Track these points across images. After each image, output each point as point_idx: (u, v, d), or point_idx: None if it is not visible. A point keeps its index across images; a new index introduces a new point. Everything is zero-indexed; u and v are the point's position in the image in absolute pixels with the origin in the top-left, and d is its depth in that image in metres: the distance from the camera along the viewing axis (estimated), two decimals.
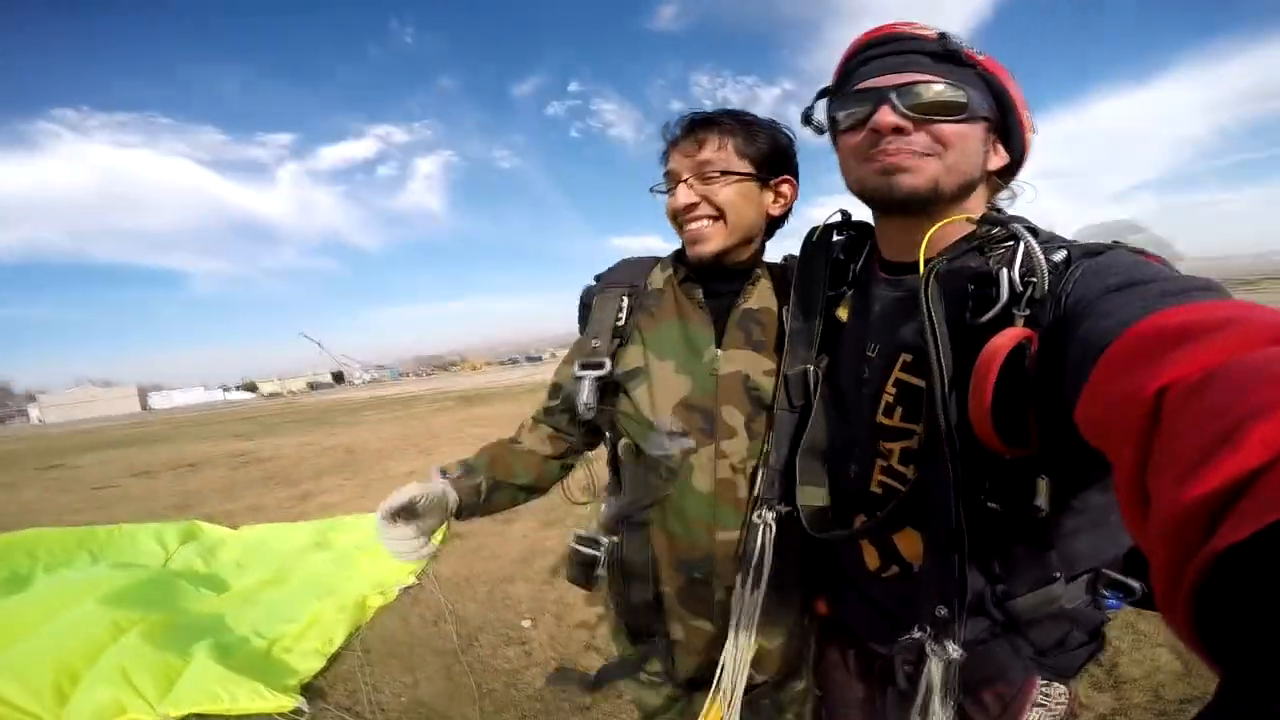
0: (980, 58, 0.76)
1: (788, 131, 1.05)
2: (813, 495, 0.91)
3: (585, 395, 1.04)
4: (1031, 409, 0.62)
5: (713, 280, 1.07)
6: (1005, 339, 0.60)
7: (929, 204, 0.78)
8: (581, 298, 1.15)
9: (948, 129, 0.75)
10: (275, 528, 5.30)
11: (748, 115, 1.03)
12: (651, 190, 1.07)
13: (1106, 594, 0.76)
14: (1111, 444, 0.41)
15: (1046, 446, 0.63)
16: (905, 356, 0.80)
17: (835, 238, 0.98)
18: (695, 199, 0.99)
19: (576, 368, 1.07)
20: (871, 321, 0.87)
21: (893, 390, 0.81)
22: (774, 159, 1.03)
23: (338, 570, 3.92)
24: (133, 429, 26.77)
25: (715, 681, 0.98)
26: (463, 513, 1.07)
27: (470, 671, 2.67)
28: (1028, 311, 0.64)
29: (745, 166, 1.00)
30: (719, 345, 1.03)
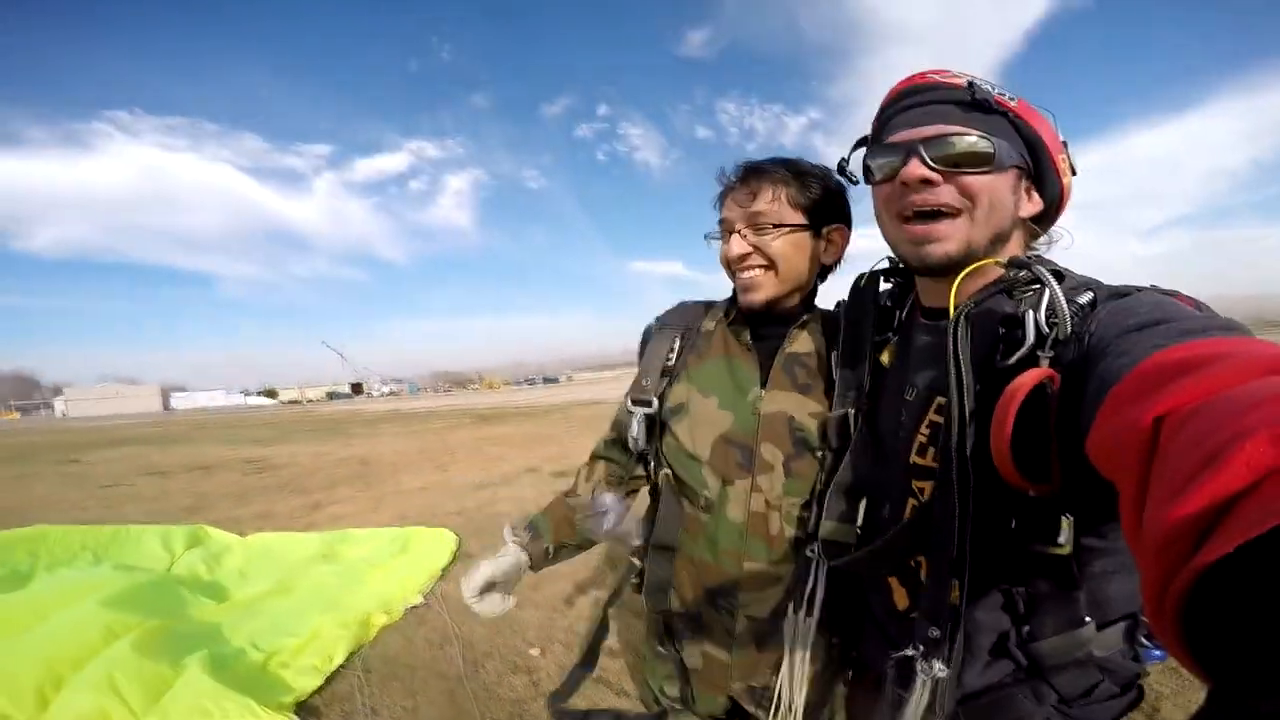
0: (1012, 103, 0.77)
1: (840, 181, 1.05)
2: (834, 530, 0.93)
3: (635, 430, 1.13)
4: (1054, 447, 0.63)
5: (761, 324, 1.09)
6: (1026, 379, 0.61)
7: (964, 263, 0.79)
8: (642, 336, 1.23)
9: (976, 181, 0.76)
10: (283, 537, 5.19)
11: (801, 164, 1.05)
12: (706, 237, 1.10)
13: (1147, 643, 0.74)
14: (1117, 474, 0.42)
15: (1070, 484, 0.64)
16: (940, 399, 0.81)
17: (882, 284, 1.01)
18: (748, 249, 1.02)
19: (629, 403, 1.15)
20: (910, 365, 0.89)
21: (926, 431, 0.83)
22: (826, 207, 1.04)
23: (343, 585, 3.78)
24: (152, 428, 27.07)
25: (774, 699, 1.01)
26: (533, 568, 1.21)
27: (474, 699, 2.51)
28: (1052, 353, 0.66)
29: (798, 217, 1.02)
30: (763, 385, 1.05)
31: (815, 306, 1.11)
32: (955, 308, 0.76)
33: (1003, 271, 0.77)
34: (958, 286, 0.77)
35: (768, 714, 1.03)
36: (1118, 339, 0.58)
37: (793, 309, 1.08)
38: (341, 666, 2.77)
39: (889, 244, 0.88)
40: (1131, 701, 0.78)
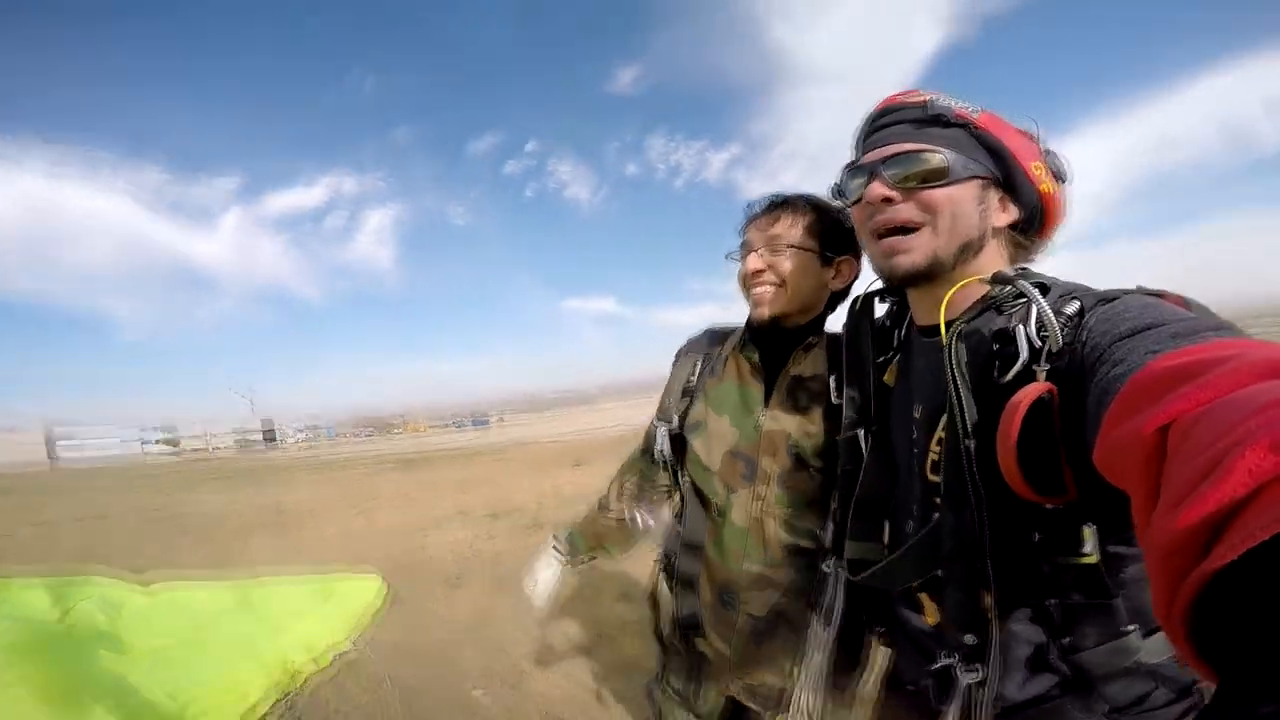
0: (973, 115, 0.78)
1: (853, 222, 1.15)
2: (858, 549, 0.93)
3: (660, 443, 1.24)
4: (1064, 459, 0.63)
5: (771, 347, 1.17)
6: (1026, 394, 0.62)
7: (934, 275, 0.81)
8: (674, 358, 1.35)
9: (934, 195, 0.78)
10: (192, 585, 4.81)
11: (821, 200, 1.14)
12: (727, 256, 1.20)
13: None
14: (1126, 483, 0.42)
15: (1086, 494, 0.63)
16: (945, 417, 0.80)
17: (879, 305, 1.03)
18: (762, 266, 1.11)
19: (655, 419, 1.28)
20: (914, 384, 0.89)
21: (937, 449, 0.82)
22: (837, 238, 1.13)
23: (263, 633, 3.55)
24: (33, 479, 24.36)
25: (788, 703, 1.05)
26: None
27: None
28: (1048, 366, 0.66)
29: (810, 242, 1.11)
30: (766, 405, 1.14)
31: (824, 332, 1.17)
32: (947, 326, 0.77)
33: (988, 288, 0.78)
34: (946, 304, 0.78)
35: (767, 711, 1.12)
36: (1111, 347, 0.58)
37: (799, 330, 1.15)
38: (268, 716, 2.61)
39: (869, 260, 0.91)
40: (1190, 707, 0.75)
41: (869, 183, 0.81)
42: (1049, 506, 0.65)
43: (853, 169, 0.86)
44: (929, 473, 0.83)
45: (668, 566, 1.27)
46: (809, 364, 1.13)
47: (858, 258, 1.14)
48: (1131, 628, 0.69)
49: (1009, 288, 0.74)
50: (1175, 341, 0.52)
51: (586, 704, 2.66)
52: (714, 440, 1.17)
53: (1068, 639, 0.72)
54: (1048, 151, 0.81)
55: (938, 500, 0.82)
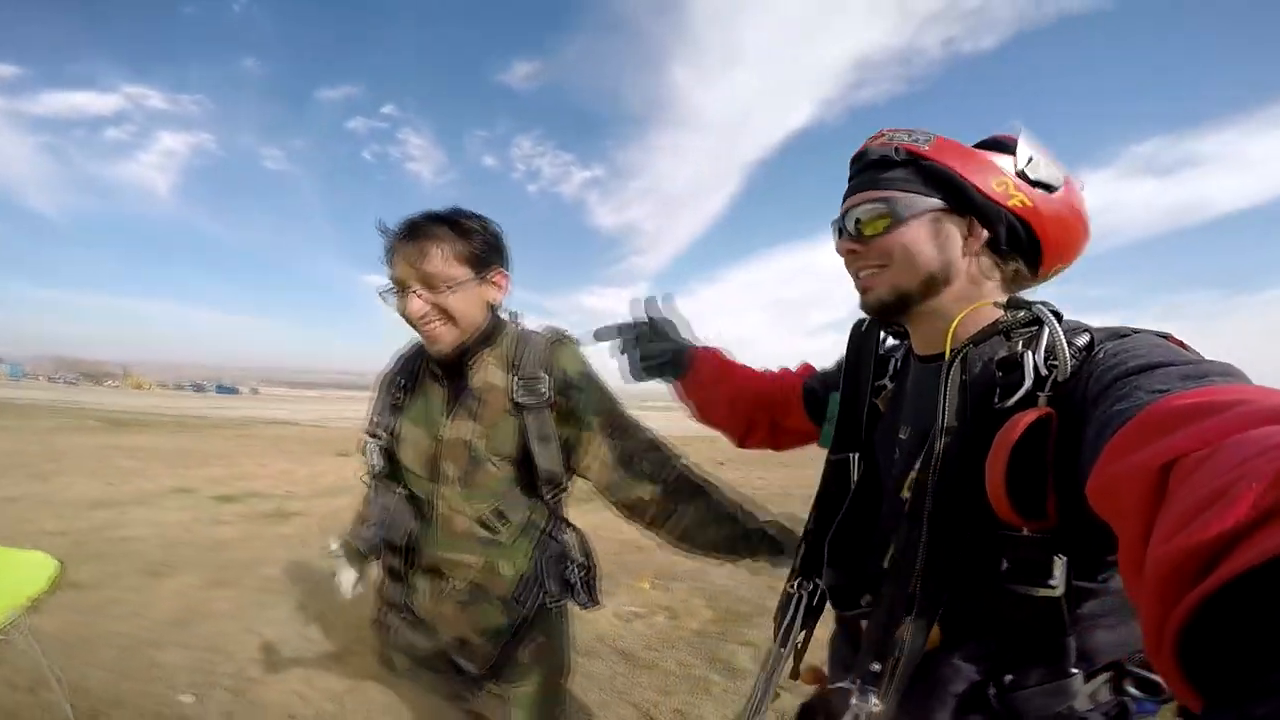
0: (923, 147, 0.79)
1: (496, 226, 1.23)
2: (834, 576, 0.92)
3: (373, 458, 1.32)
4: (1051, 485, 0.63)
5: (449, 363, 1.26)
6: (1024, 417, 0.62)
7: (905, 307, 0.84)
8: (378, 382, 1.41)
9: (887, 241, 0.81)
10: None
11: (462, 217, 1.19)
12: (381, 294, 1.22)
13: (1135, 693, 0.69)
14: (1119, 516, 0.43)
15: (1064, 523, 0.63)
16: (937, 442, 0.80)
17: (884, 333, 1.02)
18: (427, 308, 1.16)
19: (366, 436, 1.35)
20: (904, 408, 0.90)
21: (918, 468, 0.82)
22: (487, 255, 1.21)
23: None
24: None
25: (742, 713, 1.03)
26: None
27: None
28: (1051, 393, 0.65)
29: (466, 272, 1.17)
30: (448, 416, 1.25)
31: (491, 339, 1.27)
32: (951, 349, 0.77)
33: (1001, 313, 0.77)
34: (954, 330, 0.78)
35: (476, 668, 1.28)
36: (1118, 381, 0.58)
37: (472, 347, 1.25)
38: None
39: None
40: None
41: (839, 237, 0.87)
42: (1025, 532, 0.64)
43: (833, 223, 0.90)
44: (904, 491, 0.82)
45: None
46: (481, 376, 1.25)
47: (507, 265, 1.26)
48: (1075, 671, 0.67)
49: (1023, 313, 0.74)
50: (1185, 383, 0.52)
51: (333, 715, 2.36)
52: (411, 448, 1.29)
53: (1010, 676, 0.69)
54: (1030, 160, 0.78)
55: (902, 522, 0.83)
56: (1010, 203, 0.77)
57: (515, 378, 1.21)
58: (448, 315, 1.16)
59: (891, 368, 0.97)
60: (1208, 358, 0.59)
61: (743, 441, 1.26)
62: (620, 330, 1.32)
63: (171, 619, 3.15)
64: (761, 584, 4.09)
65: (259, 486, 7.43)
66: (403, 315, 1.18)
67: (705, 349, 1.29)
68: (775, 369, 1.27)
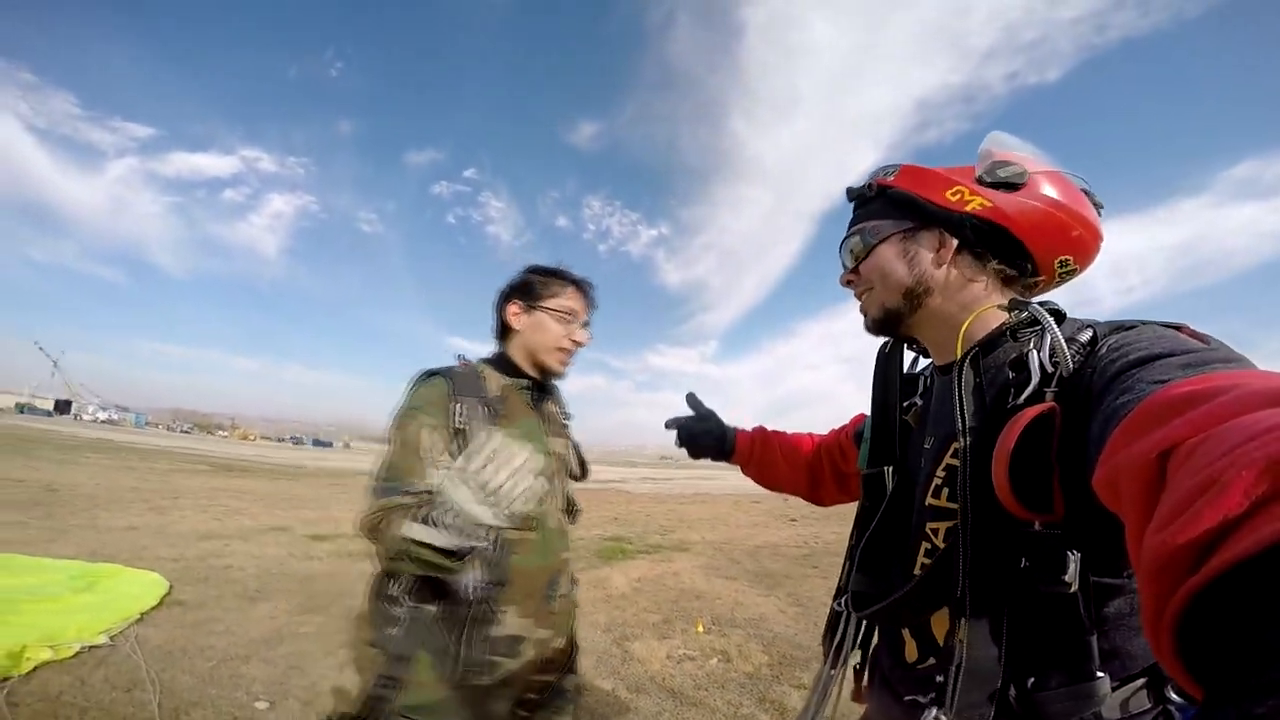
0: (888, 178, 0.88)
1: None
2: (861, 582, 0.93)
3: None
4: (1057, 479, 0.63)
5: (541, 387, 1.40)
6: (1025, 413, 0.63)
7: (897, 321, 0.89)
8: (416, 408, 1.31)
9: (866, 266, 0.90)
10: None
11: None
12: (555, 311, 1.33)
13: (1179, 699, 0.65)
14: (1125, 507, 0.43)
15: (1074, 517, 0.63)
16: (956, 444, 0.79)
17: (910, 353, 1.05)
18: (587, 341, 1.37)
19: (436, 460, 1.32)
20: (929, 418, 0.92)
21: (942, 474, 0.83)
22: None
23: None
24: None
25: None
26: None
27: None
28: (1057, 389, 0.67)
29: None
30: (546, 434, 1.36)
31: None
32: (963, 355, 0.78)
33: (1006, 316, 0.80)
34: (963, 335, 0.80)
35: (553, 674, 1.28)
36: (1120, 375, 0.58)
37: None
38: None
39: None
40: None
41: (842, 271, 0.96)
42: (1036, 527, 0.65)
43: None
44: (929, 497, 0.84)
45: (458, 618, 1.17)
46: (553, 402, 1.43)
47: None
48: (1101, 674, 0.65)
49: (1025, 314, 0.76)
50: (1184, 372, 0.52)
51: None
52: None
53: (1032, 678, 0.67)
54: (996, 163, 0.80)
55: (929, 526, 0.83)
56: (969, 208, 0.81)
57: (559, 404, 1.44)
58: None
59: (921, 385, 1.00)
60: (1218, 346, 0.59)
61: (814, 496, 1.30)
62: (675, 423, 1.45)
63: (261, 638, 3.29)
64: (821, 630, 4.05)
65: (348, 529, 7.76)
66: (556, 339, 1.33)
67: (746, 430, 1.40)
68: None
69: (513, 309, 1.34)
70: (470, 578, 1.17)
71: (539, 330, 1.33)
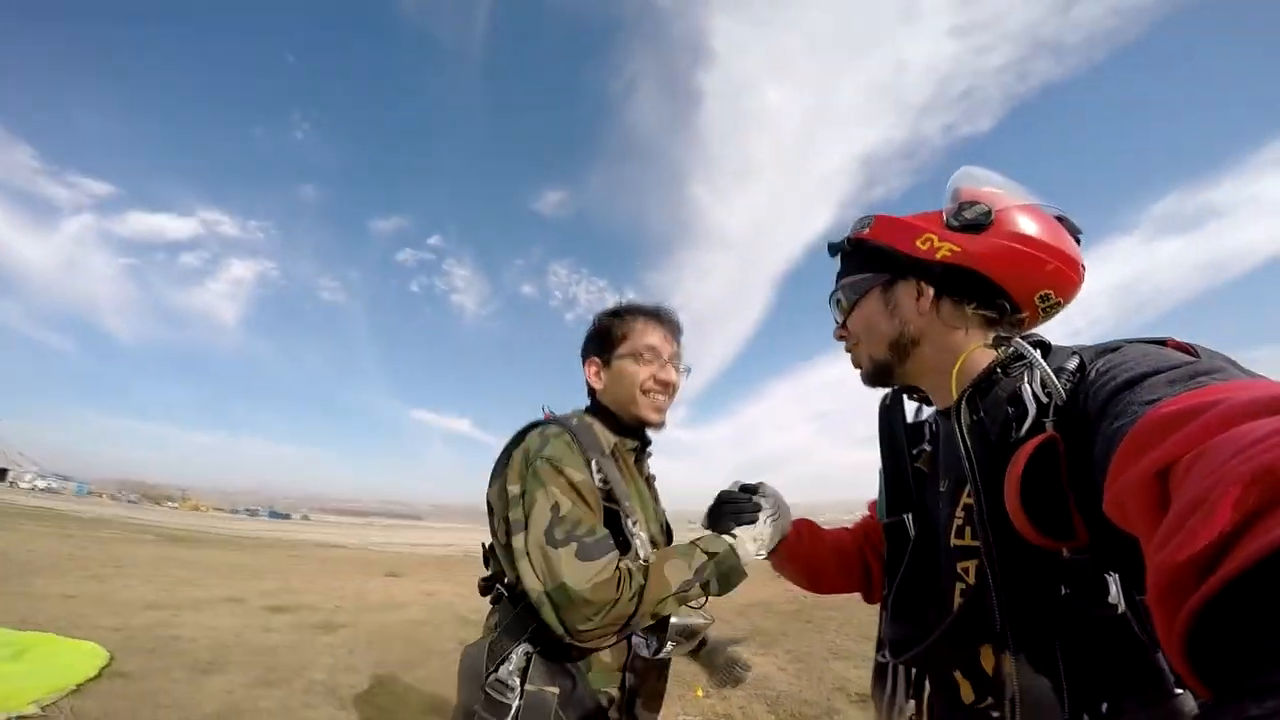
0: (863, 230, 0.91)
1: None
2: (898, 630, 0.91)
3: (643, 547, 1.15)
4: (1074, 505, 0.63)
5: (644, 440, 1.27)
6: (1027, 445, 0.64)
7: (889, 371, 0.91)
8: (565, 457, 1.19)
9: (851, 320, 0.93)
10: None
11: None
12: (619, 356, 1.20)
13: None
14: (1136, 528, 0.44)
15: (1100, 541, 0.62)
16: (968, 483, 0.80)
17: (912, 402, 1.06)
18: (677, 381, 1.22)
19: (626, 518, 1.15)
20: (940, 464, 0.92)
21: (961, 514, 0.83)
22: None
23: None
24: None
25: None
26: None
27: None
28: (1055, 418, 0.67)
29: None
30: (652, 495, 1.27)
31: None
32: (959, 396, 0.79)
33: (995, 354, 0.80)
34: (956, 377, 0.82)
35: None
36: (1112, 398, 0.59)
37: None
38: None
39: None
40: None
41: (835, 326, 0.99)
42: (1065, 554, 0.64)
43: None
44: (953, 538, 0.83)
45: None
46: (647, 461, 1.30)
47: None
48: (1180, 690, 0.61)
49: (1012, 350, 0.77)
50: (1171, 389, 0.53)
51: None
52: (644, 533, 1.15)
53: (1105, 705, 0.63)
54: (963, 204, 0.81)
55: (959, 566, 0.82)
56: (938, 255, 0.82)
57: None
58: (674, 393, 1.22)
59: (928, 432, 1.00)
60: (1203, 355, 0.60)
61: (873, 597, 1.18)
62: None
63: (214, 712, 2.93)
64: (828, 686, 4.05)
65: (308, 600, 7.26)
66: (646, 380, 1.18)
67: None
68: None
69: (591, 369, 1.23)
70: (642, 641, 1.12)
71: (619, 382, 1.19)
